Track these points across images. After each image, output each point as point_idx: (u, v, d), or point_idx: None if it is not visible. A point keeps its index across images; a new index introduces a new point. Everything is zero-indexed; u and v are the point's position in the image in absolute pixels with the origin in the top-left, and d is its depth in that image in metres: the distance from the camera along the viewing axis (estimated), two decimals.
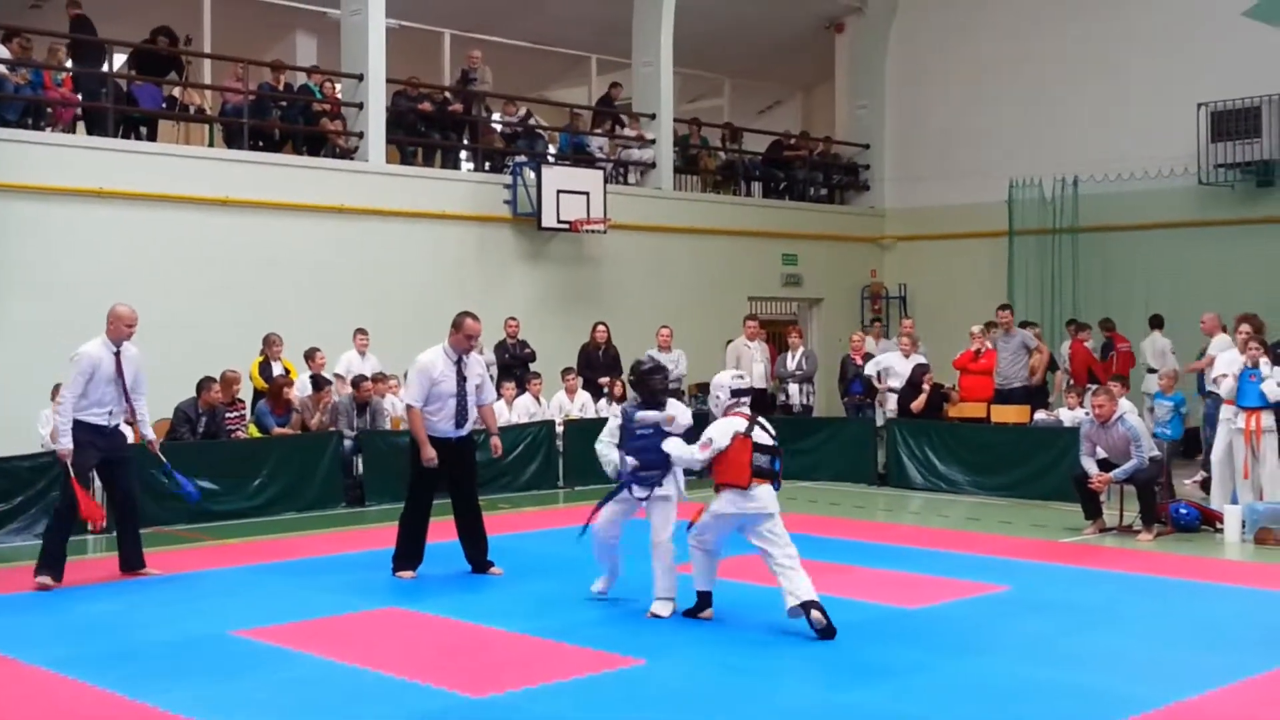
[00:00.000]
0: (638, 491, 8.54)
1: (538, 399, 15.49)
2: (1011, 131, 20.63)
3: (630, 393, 10.30)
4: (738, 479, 8.01)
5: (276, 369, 13.95)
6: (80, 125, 15.00)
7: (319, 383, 13.79)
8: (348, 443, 13.55)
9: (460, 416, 9.59)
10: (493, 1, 19.63)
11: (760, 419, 8.28)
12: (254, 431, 13.42)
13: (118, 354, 9.65)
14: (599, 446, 8.84)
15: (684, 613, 8.28)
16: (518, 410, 15.23)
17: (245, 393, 13.70)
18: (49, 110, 14.58)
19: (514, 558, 10.20)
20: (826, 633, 7.66)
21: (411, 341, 15.48)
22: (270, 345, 14.05)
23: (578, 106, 20.19)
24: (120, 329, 9.68)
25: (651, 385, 8.63)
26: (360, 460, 13.59)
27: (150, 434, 10.24)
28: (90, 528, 10.59)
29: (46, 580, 9.26)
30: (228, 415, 13.08)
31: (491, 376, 15.60)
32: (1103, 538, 11.50)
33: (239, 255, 15.06)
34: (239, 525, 12.30)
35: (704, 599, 8.31)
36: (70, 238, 13.90)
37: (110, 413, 9.59)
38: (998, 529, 12.11)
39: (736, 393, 8.32)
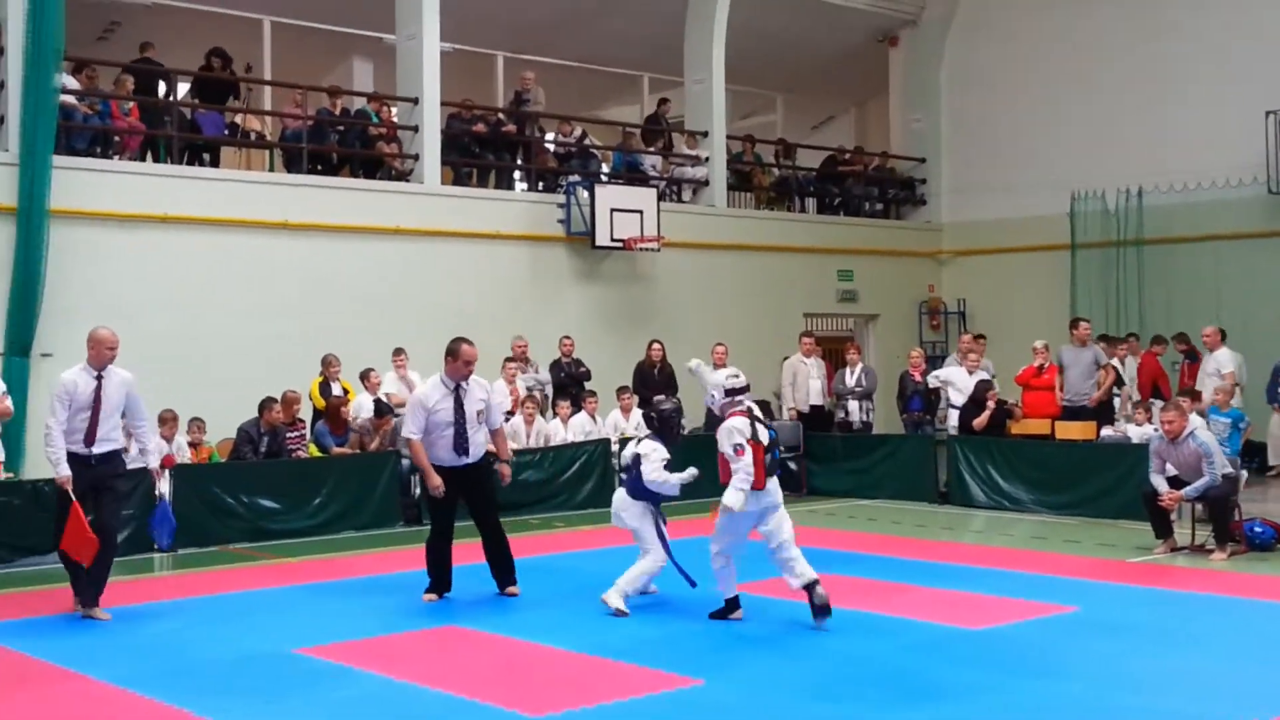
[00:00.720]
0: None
1: (593, 417, 15.49)
2: (1072, 142, 20.39)
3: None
4: (755, 482, 8.31)
5: (335, 389, 14.06)
6: (147, 153, 15.24)
7: (380, 409, 13.87)
8: (405, 462, 13.59)
9: (459, 445, 9.36)
10: (544, 23, 19.73)
11: (755, 411, 8.54)
12: (314, 451, 13.52)
13: (99, 379, 9.15)
14: (658, 475, 9.16)
15: (711, 615, 8.62)
16: (573, 429, 15.23)
17: (305, 413, 13.82)
18: (116, 139, 14.83)
19: (571, 576, 10.20)
20: (824, 610, 8.16)
21: None
22: (328, 366, 14.17)
23: (629, 125, 20.22)
24: (101, 353, 9.19)
25: (671, 424, 9.47)
26: (417, 480, 13.62)
27: (153, 463, 9.90)
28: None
29: (94, 612, 9.05)
30: (289, 435, 13.20)
31: (546, 395, 15.71)
32: (1174, 557, 11.27)
33: (298, 277, 15.22)
34: (298, 544, 12.38)
35: (733, 603, 8.62)
36: (135, 262, 14.11)
37: (85, 440, 9.05)
38: (1064, 548, 11.91)
39: (731, 392, 8.55)
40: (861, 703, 6.78)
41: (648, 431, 9.65)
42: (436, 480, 9.35)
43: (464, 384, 9.39)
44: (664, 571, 9.28)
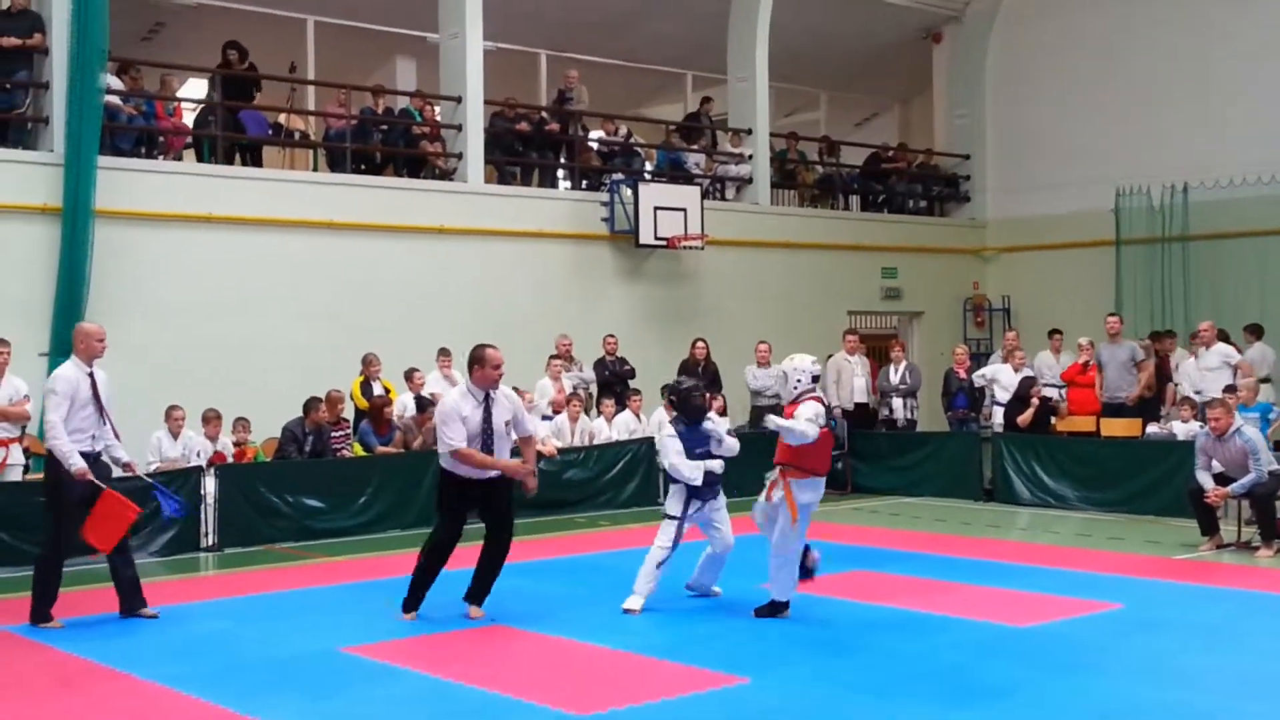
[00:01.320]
0: (700, 505, 9.18)
1: (638, 416, 15.49)
2: (1116, 138, 20.18)
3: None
4: (823, 467, 8.46)
5: (376, 389, 14.12)
6: (189, 152, 15.38)
7: (422, 404, 13.93)
8: None
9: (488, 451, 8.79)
10: (587, 22, 19.74)
11: (827, 403, 8.73)
12: (358, 450, 13.59)
13: (91, 375, 8.89)
14: (675, 462, 9.11)
15: (758, 612, 8.63)
16: (618, 427, 15.24)
17: (348, 412, 13.89)
18: (161, 139, 14.97)
19: (616, 575, 10.14)
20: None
21: (509, 360, 15.67)
22: (369, 365, 14.22)
23: (671, 123, 20.20)
24: (91, 345, 8.92)
25: (692, 404, 9.18)
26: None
27: (124, 455, 9.41)
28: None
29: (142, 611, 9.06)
30: (333, 435, 13.28)
31: (591, 394, 15.73)
32: (1220, 554, 11.16)
33: (342, 276, 15.31)
34: (344, 543, 12.45)
35: (783, 604, 8.63)
36: (179, 263, 14.24)
37: (92, 437, 8.87)
38: (1109, 545, 11.82)
39: (815, 378, 8.64)
40: (909, 701, 6.75)
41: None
42: (512, 464, 8.91)
43: (492, 393, 8.79)
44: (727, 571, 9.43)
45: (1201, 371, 14.62)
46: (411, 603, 8.93)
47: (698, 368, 16.49)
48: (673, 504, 9.20)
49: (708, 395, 9.44)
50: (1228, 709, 6.48)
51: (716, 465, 9.08)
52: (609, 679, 7.30)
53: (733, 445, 9.18)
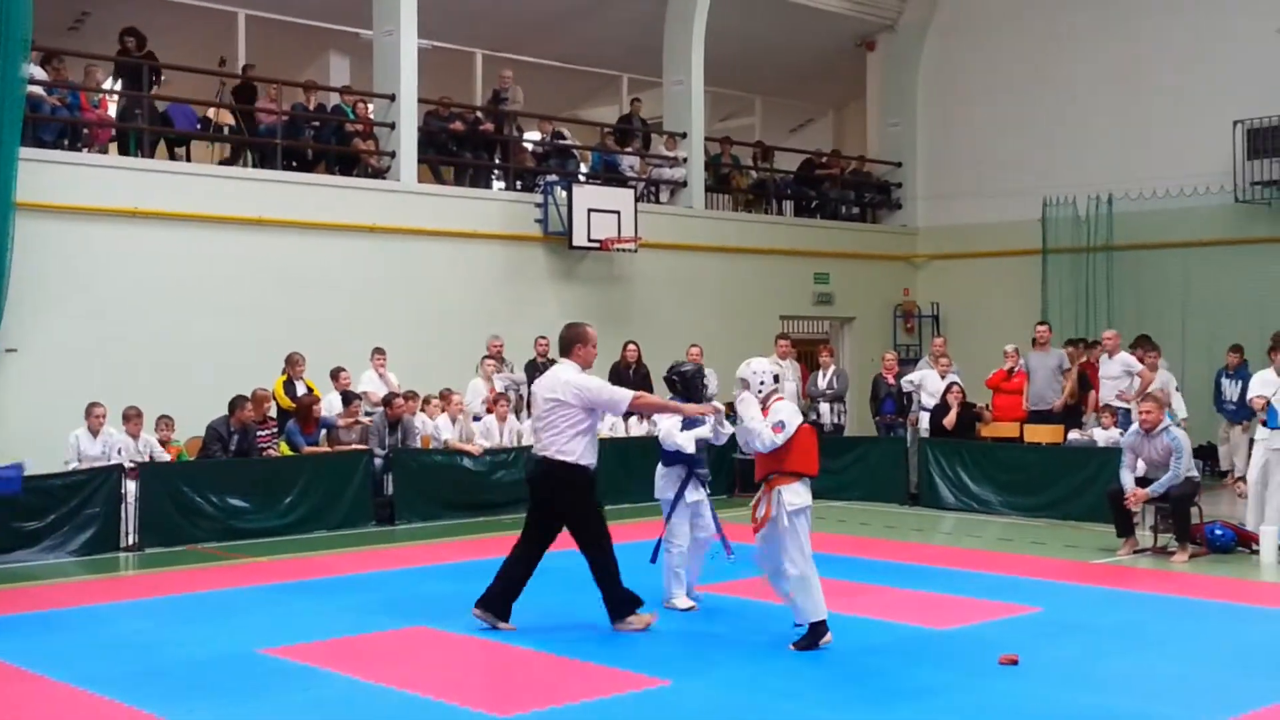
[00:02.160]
0: (697, 493, 9.12)
1: None
2: (1045, 149, 20.51)
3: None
4: (810, 467, 7.89)
5: (300, 388, 14.00)
6: (114, 145, 15.14)
7: (348, 398, 13.84)
8: (378, 461, 13.58)
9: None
10: (524, 22, 19.71)
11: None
12: (285, 450, 13.47)
13: None
14: (666, 432, 9.07)
15: (795, 645, 7.85)
16: None
17: (274, 411, 13.75)
18: (85, 131, 14.73)
19: (541, 576, 10.08)
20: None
21: (441, 360, 15.69)
22: (293, 364, 14.09)
23: (606, 125, 20.22)
24: None
25: (693, 386, 9.11)
26: (390, 479, 13.61)
27: None
28: None
29: None
30: (259, 433, 13.15)
31: (521, 395, 15.70)
32: (1136, 559, 11.37)
33: (272, 275, 15.14)
34: (270, 544, 12.33)
35: (821, 626, 7.86)
36: (104, 258, 14.01)
37: None
38: (1030, 550, 12.01)
39: (777, 378, 8.11)
40: (826, 704, 6.80)
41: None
42: (693, 407, 8.62)
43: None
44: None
45: (1103, 380, 14.91)
46: (625, 606, 8.43)
47: (629, 370, 16.53)
48: (667, 488, 9.13)
49: (703, 379, 9.32)
50: (1141, 712, 6.59)
51: (706, 431, 9.01)
52: (530, 680, 7.30)
53: (727, 432, 9.02)
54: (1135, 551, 11.49)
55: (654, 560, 9.15)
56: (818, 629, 7.81)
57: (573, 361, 8.48)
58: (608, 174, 18.92)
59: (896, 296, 22.17)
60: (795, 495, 7.81)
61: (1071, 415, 15.42)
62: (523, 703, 6.75)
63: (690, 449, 8.98)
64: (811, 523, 7.93)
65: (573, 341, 8.53)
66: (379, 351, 14.68)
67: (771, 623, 8.62)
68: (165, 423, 13.07)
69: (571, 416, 8.26)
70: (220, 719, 6.48)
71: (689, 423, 8.95)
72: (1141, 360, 14.74)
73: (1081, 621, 8.79)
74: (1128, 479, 11.43)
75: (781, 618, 8.73)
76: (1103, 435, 14.10)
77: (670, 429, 9.01)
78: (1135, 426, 11.71)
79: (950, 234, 21.76)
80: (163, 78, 16.06)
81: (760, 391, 7.96)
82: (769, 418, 7.85)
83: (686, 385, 9.20)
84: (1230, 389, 15.88)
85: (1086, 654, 7.86)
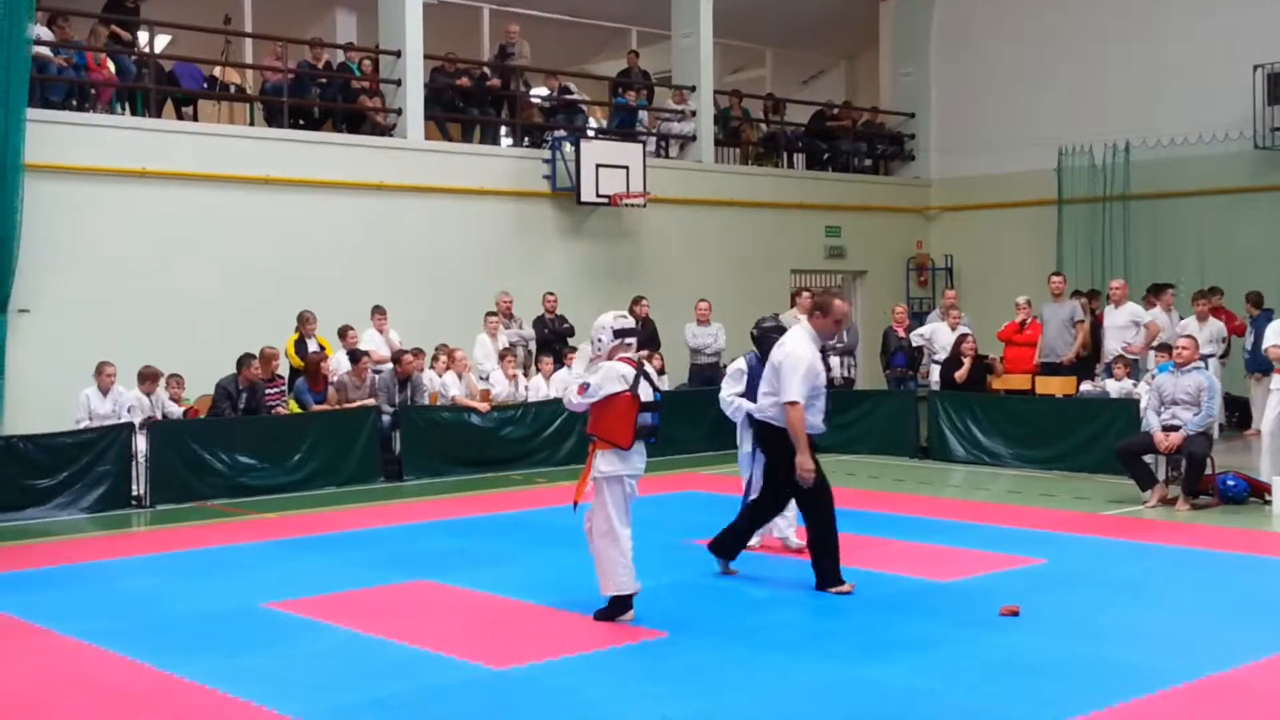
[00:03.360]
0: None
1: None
2: (1060, 98, 20.28)
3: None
4: (620, 439, 7.38)
5: (311, 346, 14.04)
6: (124, 106, 15.12)
7: (355, 356, 13.86)
8: (386, 418, 13.61)
9: (827, 411, 8.37)
10: None
11: (647, 367, 7.66)
12: (294, 407, 13.51)
13: None
14: (725, 395, 9.27)
15: (596, 614, 7.54)
16: (555, 385, 15.19)
17: (283, 369, 13.79)
18: (92, 91, 14.71)
19: (548, 531, 10.21)
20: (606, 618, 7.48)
21: (451, 317, 15.68)
22: (305, 322, 14.14)
23: (613, 79, 20.05)
24: None
25: (771, 342, 8.83)
26: (399, 436, 13.65)
27: None
28: None
29: None
30: (268, 391, 13.19)
31: (530, 351, 15.71)
32: (1143, 511, 11.32)
33: (279, 233, 15.15)
34: (278, 500, 12.41)
35: (623, 602, 7.50)
36: (112, 217, 14.04)
37: None
38: (1039, 502, 11.97)
39: (620, 333, 7.59)
40: (825, 656, 6.81)
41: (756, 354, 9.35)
42: (811, 464, 7.97)
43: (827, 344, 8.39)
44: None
45: (1110, 330, 14.80)
46: (833, 577, 8.20)
47: (637, 325, 16.48)
48: (744, 442, 9.27)
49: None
50: (1141, 663, 6.56)
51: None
52: (530, 633, 7.32)
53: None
54: (1164, 500, 11.41)
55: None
56: (616, 604, 7.46)
57: (810, 327, 8.21)
58: (619, 129, 18.79)
59: (909, 249, 22.04)
60: (605, 462, 7.46)
61: (1084, 367, 15.33)
62: (520, 655, 6.78)
63: (732, 417, 9.30)
64: (633, 493, 7.55)
65: (817, 307, 8.27)
66: (379, 310, 14.69)
67: (771, 576, 8.63)
68: (175, 381, 13.13)
69: (772, 380, 8.18)
70: (219, 671, 6.51)
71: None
72: (1153, 304, 14.63)
73: (1086, 573, 8.77)
74: (1154, 420, 11.40)
75: (781, 570, 8.75)
76: (1115, 386, 14.01)
77: (732, 396, 9.21)
78: (1164, 367, 11.68)
79: (964, 185, 21.58)
80: (164, 37, 15.97)
81: (599, 349, 7.59)
82: (583, 378, 7.63)
83: (758, 342, 9.27)
84: (1247, 338, 15.76)
85: (1089, 605, 7.83)
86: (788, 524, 9.48)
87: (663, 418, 7.95)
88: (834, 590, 8.10)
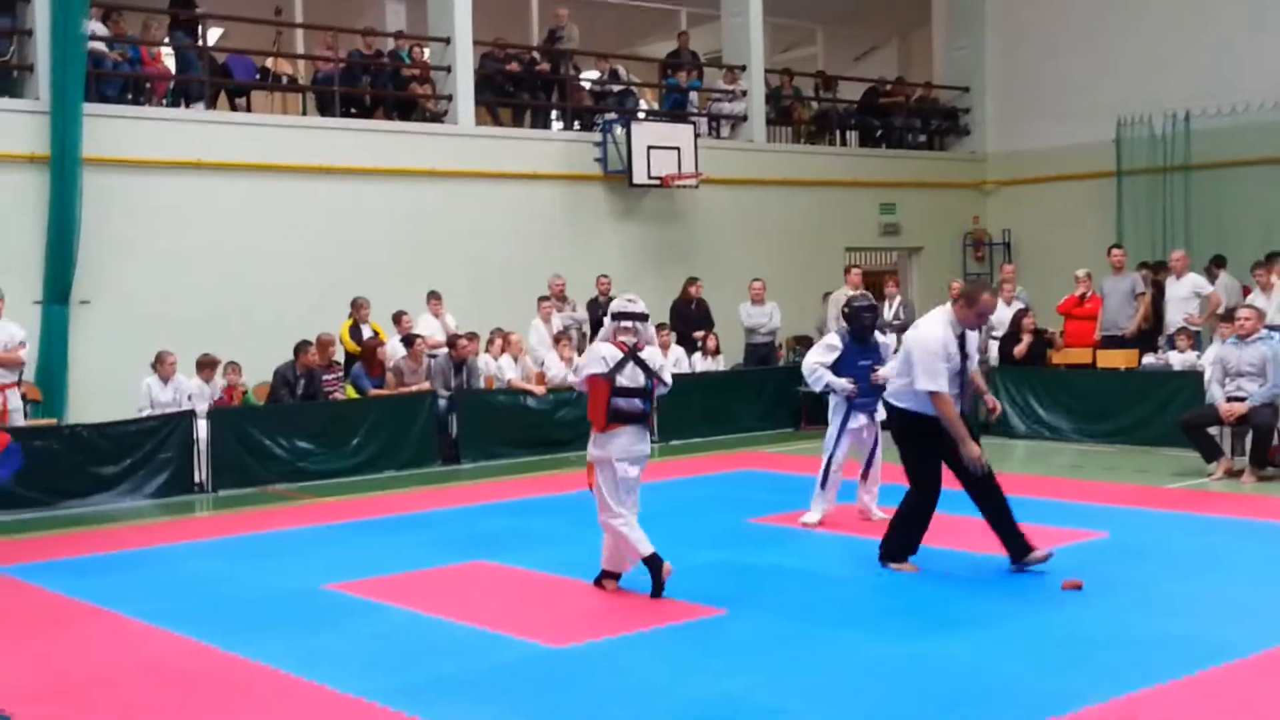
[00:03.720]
0: (860, 418, 9.42)
1: None
2: (1119, 67, 19.92)
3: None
4: (595, 421, 7.48)
5: (365, 332, 14.14)
6: (180, 99, 15.28)
7: (410, 341, 13.95)
8: (442, 402, 13.69)
9: (964, 395, 8.11)
10: None
11: (647, 353, 7.57)
12: (351, 393, 13.62)
13: None
14: (810, 361, 9.55)
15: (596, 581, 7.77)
16: None
17: (338, 355, 13.91)
18: (147, 85, 14.87)
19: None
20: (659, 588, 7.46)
21: (504, 301, 15.74)
22: (358, 308, 14.24)
23: (663, 61, 19.96)
24: None
25: (861, 320, 9.44)
26: (455, 419, 13.72)
27: None
28: None
29: None
30: (325, 378, 13.30)
31: (584, 333, 15.74)
32: (1207, 483, 11.15)
33: (332, 220, 15.26)
34: (337, 484, 12.52)
35: (609, 576, 7.73)
36: (169, 209, 14.19)
37: None
38: (1101, 476, 11.82)
39: (616, 316, 7.59)
40: (883, 631, 6.76)
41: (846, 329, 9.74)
42: (976, 450, 7.81)
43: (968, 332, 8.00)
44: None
45: (1171, 302, 14.59)
46: (902, 550, 8.16)
47: (690, 306, 16.49)
48: (834, 415, 9.61)
49: (876, 316, 9.70)
50: (1207, 636, 6.46)
51: (840, 382, 9.43)
52: (587, 612, 7.33)
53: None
54: (1229, 472, 11.24)
55: (823, 485, 9.57)
56: (604, 574, 7.76)
57: (951, 312, 7.84)
58: (671, 112, 18.73)
59: (966, 225, 21.81)
60: (591, 444, 7.57)
61: (1146, 339, 15.11)
62: (578, 633, 6.80)
63: (814, 387, 9.71)
64: (628, 477, 7.50)
65: (965, 296, 7.83)
66: (435, 295, 14.78)
67: (828, 553, 8.59)
68: (233, 368, 13.28)
69: (904, 366, 7.95)
70: (283, 652, 6.57)
71: (860, 355, 9.47)
72: (1215, 275, 14.38)
73: (1150, 546, 8.66)
74: (1218, 392, 11.24)
75: (838, 548, 8.70)
76: (1178, 358, 13.81)
77: (815, 367, 9.49)
78: (1229, 338, 11.52)
79: (1021, 159, 21.31)
80: (216, 30, 16.10)
81: (606, 333, 7.65)
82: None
83: (849, 319, 9.66)
84: None
85: (1152, 579, 7.73)
86: (871, 497, 9.59)
87: (705, 399, 7.92)
88: (1031, 560, 7.83)
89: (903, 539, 8.15)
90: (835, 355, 9.45)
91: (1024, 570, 7.87)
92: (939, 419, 7.75)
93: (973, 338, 8.19)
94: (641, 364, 7.51)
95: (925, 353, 7.67)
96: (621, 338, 7.56)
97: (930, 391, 7.66)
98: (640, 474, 7.62)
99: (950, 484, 8.10)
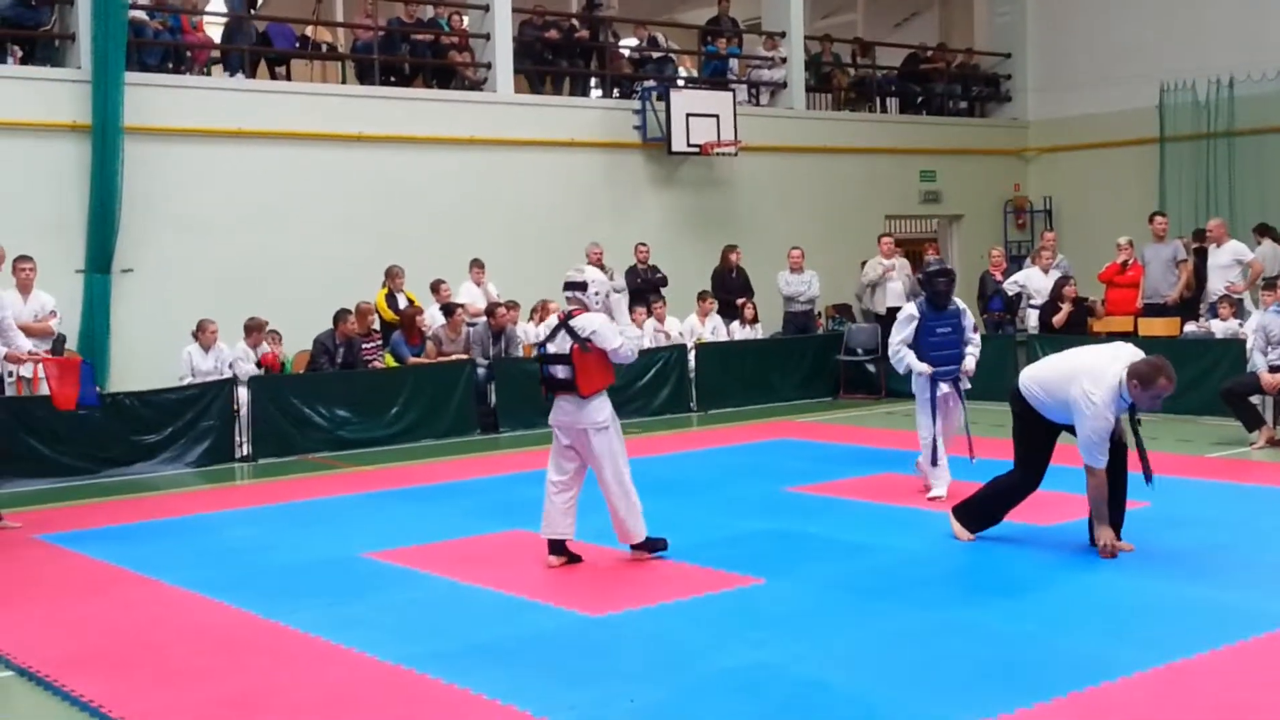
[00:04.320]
0: (942, 388, 9.33)
1: (661, 323, 15.47)
2: (1161, 32, 19.63)
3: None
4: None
5: (400, 300, 14.18)
6: (216, 67, 15.34)
7: (450, 310, 13.98)
8: (481, 371, 13.73)
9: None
10: None
11: (573, 320, 7.57)
12: (390, 362, 13.68)
13: None
14: (893, 342, 9.47)
15: (634, 548, 7.76)
16: (647, 335, 15.22)
17: (376, 324, 13.95)
18: (188, 54, 14.93)
19: (642, 481, 10.15)
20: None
21: (542, 268, 15.71)
22: (393, 277, 14.27)
23: (701, 27, 19.81)
24: None
25: (935, 286, 9.35)
26: (494, 388, 13.76)
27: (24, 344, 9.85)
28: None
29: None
30: (364, 346, 13.35)
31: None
32: (1249, 452, 11.03)
33: (373, 189, 15.30)
34: (376, 453, 12.60)
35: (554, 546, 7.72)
36: (209, 177, 14.27)
37: None
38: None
39: (569, 285, 7.72)
40: (921, 600, 6.74)
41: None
42: (1113, 539, 7.49)
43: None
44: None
45: (1212, 270, 14.40)
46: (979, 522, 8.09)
47: (730, 274, 16.44)
48: (919, 396, 9.53)
49: (952, 281, 9.56)
50: (1247, 604, 6.41)
51: (920, 366, 9.37)
52: (626, 581, 7.35)
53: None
54: (1271, 441, 11.12)
55: (934, 462, 9.48)
56: (654, 541, 7.75)
57: (1125, 386, 7.27)
58: (711, 79, 18.62)
59: (1007, 192, 21.61)
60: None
61: (1187, 308, 14.94)
62: (615, 602, 6.82)
63: (897, 369, 9.66)
64: (560, 443, 7.72)
65: (1137, 376, 7.28)
66: (477, 263, 14.80)
67: (867, 521, 8.57)
68: (273, 336, 13.35)
69: (1059, 395, 7.63)
70: (321, 619, 6.63)
71: (938, 323, 9.38)
72: (1260, 241, 14.18)
73: (1189, 515, 8.59)
74: (1260, 360, 11.12)
75: (876, 516, 8.68)
76: (1220, 327, 13.65)
77: (897, 346, 9.41)
78: (1270, 306, 11.38)
79: (1062, 126, 21.06)
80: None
81: (598, 305, 7.68)
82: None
83: (923, 284, 9.65)
84: None
85: (1191, 547, 7.68)
86: (942, 483, 9.47)
87: (743, 367, 8.01)
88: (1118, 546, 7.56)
89: (984, 512, 7.98)
90: (914, 325, 9.40)
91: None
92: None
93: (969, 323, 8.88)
94: (571, 331, 7.54)
95: (1098, 421, 7.23)
96: (570, 307, 7.69)
97: (1087, 467, 7.38)
98: (576, 447, 7.61)
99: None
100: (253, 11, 15.64)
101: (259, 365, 12.98)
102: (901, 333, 9.42)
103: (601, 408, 7.63)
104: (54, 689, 5.73)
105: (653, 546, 7.76)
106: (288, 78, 16.14)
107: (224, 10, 16.31)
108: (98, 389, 10.23)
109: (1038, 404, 7.72)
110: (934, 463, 9.47)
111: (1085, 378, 7.30)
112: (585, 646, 6.14)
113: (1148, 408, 7.42)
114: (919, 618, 6.41)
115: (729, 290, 16.36)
